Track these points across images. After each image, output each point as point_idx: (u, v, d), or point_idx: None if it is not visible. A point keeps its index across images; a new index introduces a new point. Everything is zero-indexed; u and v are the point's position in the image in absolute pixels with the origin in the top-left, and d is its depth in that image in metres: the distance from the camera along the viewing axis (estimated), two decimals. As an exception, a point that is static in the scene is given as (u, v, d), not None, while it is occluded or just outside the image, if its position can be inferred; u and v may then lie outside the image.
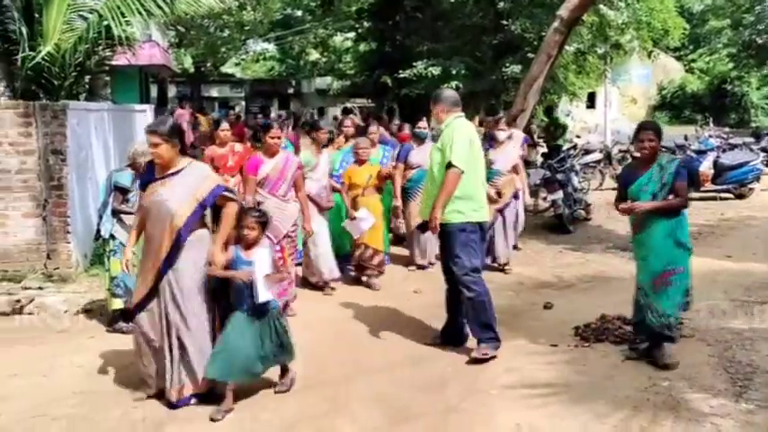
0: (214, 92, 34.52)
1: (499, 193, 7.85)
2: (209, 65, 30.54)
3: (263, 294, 4.42)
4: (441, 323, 5.77)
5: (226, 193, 4.59)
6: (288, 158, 6.63)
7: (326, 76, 28.35)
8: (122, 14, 8.25)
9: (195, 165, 4.63)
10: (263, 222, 4.63)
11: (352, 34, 22.14)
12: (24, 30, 8.29)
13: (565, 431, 4.24)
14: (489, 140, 8.15)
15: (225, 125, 8.82)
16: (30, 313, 6.66)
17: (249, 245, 4.54)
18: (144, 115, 11.65)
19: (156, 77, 22.78)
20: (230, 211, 4.57)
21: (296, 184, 6.61)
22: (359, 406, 4.61)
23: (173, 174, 4.51)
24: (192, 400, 4.54)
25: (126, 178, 6.27)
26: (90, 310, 6.79)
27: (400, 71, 16.39)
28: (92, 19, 8.46)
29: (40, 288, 7.14)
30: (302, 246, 7.45)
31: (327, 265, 7.42)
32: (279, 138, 6.52)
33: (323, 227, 7.39)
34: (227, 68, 35.11)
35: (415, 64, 15.84)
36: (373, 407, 4.60)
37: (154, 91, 23.95)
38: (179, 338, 4.47)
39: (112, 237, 6.30)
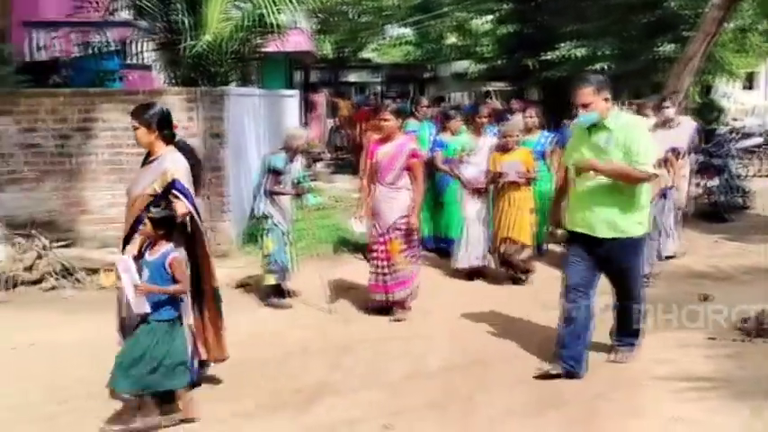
0: (352, 77, 35.14)
1: None
2: (347, 50, 31.17)
3: (136, 305, 4.05)
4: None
5: (175, 192, 4.31)
6: (401, 145, 6.18)
7: (464, 60, 28.08)
8: (275, 3, 8.63)
9: (167, 156, 4.41)
10: (162, 220, 4.15)
11: (491, 17, 21.82)
12: (187, 20, 8.83)
13: (724, 427, 4.06)
14: None
15: (387, 114, 8.46)
16: (194, 286, 7.12)
17: (153, 245, 4.19)
18: (292, 100, 12.10)
19: (300, 63, 23.52)
20: (177, 210, 4.33)
21: (412, 173, 6.13)
22: (505, 388, 4.63)
23: (151, 161, 4.47)
24: None
25: (280, 161, 6.55)
26: (246, 285, 7.18)
27: (543, 53, 16.01)
28: (247, 8, 8.91)
29: (201, 262, 7.62)
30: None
31: (476, 251, 7.32)
32: (388, 120, 6.31)
33: (477, 212, 7.32)
34: (365, 54, 35.65)
35: (558, 45, 15.40)
36: (520, 390, 4.59)
37: (297, 77, 24.77)
38: None
39: (266, 216, 6.60)
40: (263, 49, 10.84)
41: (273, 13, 8.54)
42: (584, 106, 4.61)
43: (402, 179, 6.10)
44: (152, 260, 4.13)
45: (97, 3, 10.26)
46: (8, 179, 8.04)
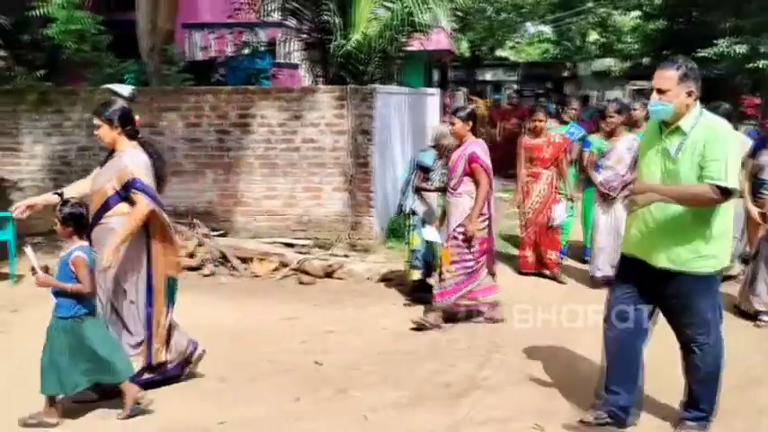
0: (488, 75, 34.85)
1: (765, 215, 6.25)
2: (483, 49, 31.01)
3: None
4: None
5: (135, 190, 4.30)
6: (463, 149, 5.91)
7: (605, 58, 27.18)
8: (424, 2, 8.74)
9: (126, 153, 4.43)
10: (68, 218, 4.09)
11: (637, 12, 21.04)
12: (338, 20, 9.12)
13: None
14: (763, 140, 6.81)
15: (540, 114, 7.54)
16: (339, 278, 7.37)
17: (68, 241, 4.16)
18: (434, 98, 12.19)
19: (439, 62, 23.65)
20: (138, 208, 4.31)
21: (473, 179, 5.84)
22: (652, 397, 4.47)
23: (112, 157, 4.50)
24: None
25: (429, 158, 6.63)
26: (389, 279, 7.32)
27: (696, 51, 15.25)
28: (396, 7, 9.07)
29: (346, 256, 7.88)
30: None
31: (597, 260, 7.02)
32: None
33: (607, 218, 7.00)
34: (501, 52, 35.31)
35: (716, 42, 14.60)
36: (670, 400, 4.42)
37: (434, 75, 24.91)
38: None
39: (413, 212, 6.69)
40: (406, 48, 11.02)
41: (422, 12, 8.66)
42: (660, 92, 3.67)
43: (463, 185, 5.86)
44: (61, 257, 4.14)
45: (252, 5, 10.79)
46: (171, 171, 8.58)
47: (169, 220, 4.56)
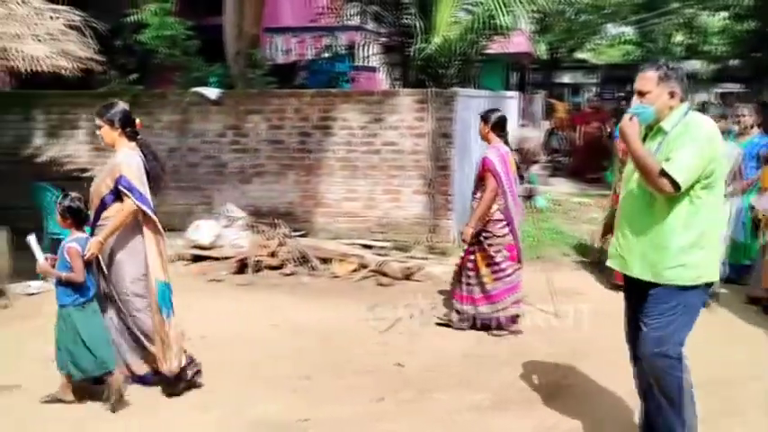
0: (566, 78, 34.30)
1: None
2: (562, 51, 30.47)
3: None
4: None
5: (122, 188, 4.40)
6: (483, 153, 5.89)
7: (690, 60, 26.34)
8: (505, 4, 8.68)
9: (121, 152, 4.53)
10: (65, 210, 4.35)
11: (725, 13, 20.30)
12: (419, 24, 9.16)
13: None
14: None
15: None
16: (417, 280, 7.39)
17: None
18: (513, 101, 12.08)
19: (517, 64, 23.41)
20: (123, 206, 4.42)
21: (481, 183, 5.77)
22: (755, 411, 4.31)
23: (111, 156, 4.64)
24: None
25: (512, 161, 6.59)
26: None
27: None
28: (478, 11, 9.04)
29: (425, 258, 7.90)
30: None
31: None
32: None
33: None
34: (580, 54, 34.62)
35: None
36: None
37: (513, 78, 24.68)
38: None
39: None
40: (487, 51, 10.97)
41: (504, 14, 8.60)
42: (641, 95, 3.52)
43: (480, 190, 5.78)
44: (60, 247, 4.36)
45: (334, 10, 10.96)
46: (254, 172, 8.85)
47: (160, 225, 4.58)
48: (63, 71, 6.97)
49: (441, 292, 6.81)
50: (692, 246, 3.40)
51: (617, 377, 4.83)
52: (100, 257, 4.48)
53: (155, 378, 4.60)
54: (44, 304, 5.70)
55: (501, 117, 5.91)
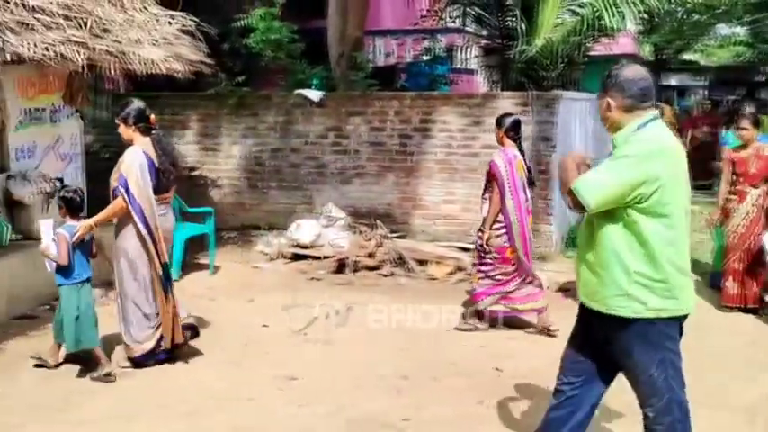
0: (672, 80, 33.03)
1: None
2: (668, 52, 29.36)
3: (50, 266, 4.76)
4: None
5: (119, 186, 4.82)
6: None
7: (809, 63, 24.84)
8: (615, 5, 8.45)
9: (129, 150, 4.95)
10: (60, 201, 4.87)
11: None
12: (522, 26, 9.05)
13: None
14: None
15: (746, 122, 6.62)
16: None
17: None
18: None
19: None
20: (115, 201, 4.87)
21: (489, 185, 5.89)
22: None
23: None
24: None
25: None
26: (567, 290, 7.15)
27: None
28: (584, 12, 8.84)
29: (523, 263, 7.78)
30: None
31: None
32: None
33: None
34: (688, 55, 33.27)
35: None
36: None
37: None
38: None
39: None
40: (592, 53, 10.72)
41: (612, 15, 8.38)
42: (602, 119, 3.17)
43: (487, 191, 5.88)
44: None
45: (437, 12, 10.97)
46: (354, 173, 8.98)
47: (156, 218, 4.95)
48: (176, 74, 7.29)
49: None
50: (635, 274, 2.98)
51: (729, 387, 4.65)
52: (115, 246, 4.98)
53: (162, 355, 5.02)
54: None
55: (514, 121, 5.92)
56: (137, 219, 4.84)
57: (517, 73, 9.36)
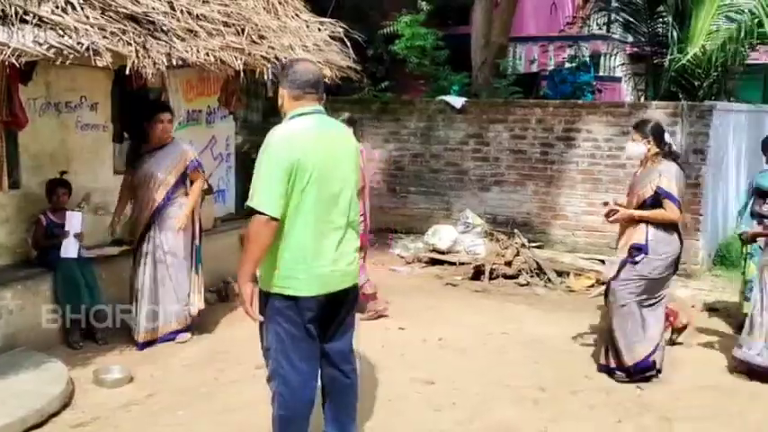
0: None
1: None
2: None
3: (66, 251, 5.31)
4: None
5: (198, 168, 5.69)
6: None
7: None
8: (778, 11, 7.95)
9: (177, 141, 5.75)
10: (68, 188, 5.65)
11: None
12: (675, 33, 8.70)
13: None
14: None
15: None
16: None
17: (57, 210, 5.53)
18: (775, 116, 11.02)
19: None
20: (198, 184, 5.66)
21: None
22: None
23: (159, 148, 5.60)
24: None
25: (767, 180, 6.06)
26: (715, 309, 6.82)
27: None
28: (743, 18, 8.38)
29: (668, 280, 7.48)
30: None
31: None
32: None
33: None
34: None
35: None
36: None
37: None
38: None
39: (753, 239, 6.15)
40: (749, 61, 10.14)
41: (777, 21, 7.88)
42: None
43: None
44: (72, 220, 5.47)
45: (583, 19, 10.76)
46: (493, 180, 8.97)
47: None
48: (325, 79, 7.57)
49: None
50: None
51: None
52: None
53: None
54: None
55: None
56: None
57: (668, 82, 9.00)
